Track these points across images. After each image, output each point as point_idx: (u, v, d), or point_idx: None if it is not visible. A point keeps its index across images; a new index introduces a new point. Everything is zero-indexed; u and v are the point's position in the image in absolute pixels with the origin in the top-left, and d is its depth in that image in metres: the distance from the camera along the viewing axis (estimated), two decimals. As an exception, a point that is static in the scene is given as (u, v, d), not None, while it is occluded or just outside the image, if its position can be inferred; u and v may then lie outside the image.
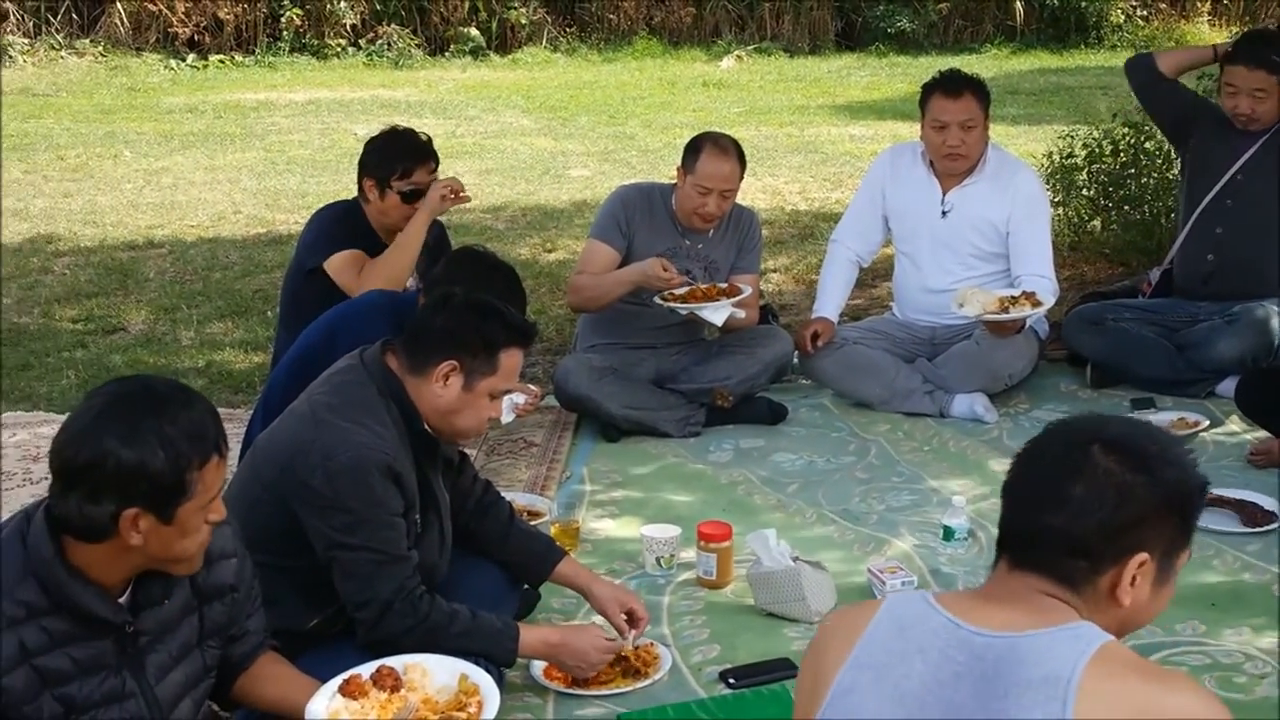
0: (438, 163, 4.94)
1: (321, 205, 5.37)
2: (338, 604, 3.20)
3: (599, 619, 3.60)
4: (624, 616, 3.49)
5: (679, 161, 5.26)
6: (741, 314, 5.22)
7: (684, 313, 5.11)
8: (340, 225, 4.91)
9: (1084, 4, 18.17)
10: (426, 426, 3.27)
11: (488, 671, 2.97)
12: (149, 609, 2.46)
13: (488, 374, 3.23)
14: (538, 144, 12.33)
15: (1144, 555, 1.90)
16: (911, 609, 1.94)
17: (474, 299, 3.29)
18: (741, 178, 5.24)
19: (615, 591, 3.57)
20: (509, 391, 3.41)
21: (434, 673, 2.89)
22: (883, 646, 1.92)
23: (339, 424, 3.16)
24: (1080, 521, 1.88)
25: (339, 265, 4.75)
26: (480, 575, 3.53)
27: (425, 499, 3.30)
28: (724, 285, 5.22)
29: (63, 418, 5.48)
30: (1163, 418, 5.18)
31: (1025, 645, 1.84)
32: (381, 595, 3.11)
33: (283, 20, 17.43)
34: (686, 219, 5.23)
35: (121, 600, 2.42)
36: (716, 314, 5.10)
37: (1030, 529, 1.93)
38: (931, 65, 9.66)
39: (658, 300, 5.13)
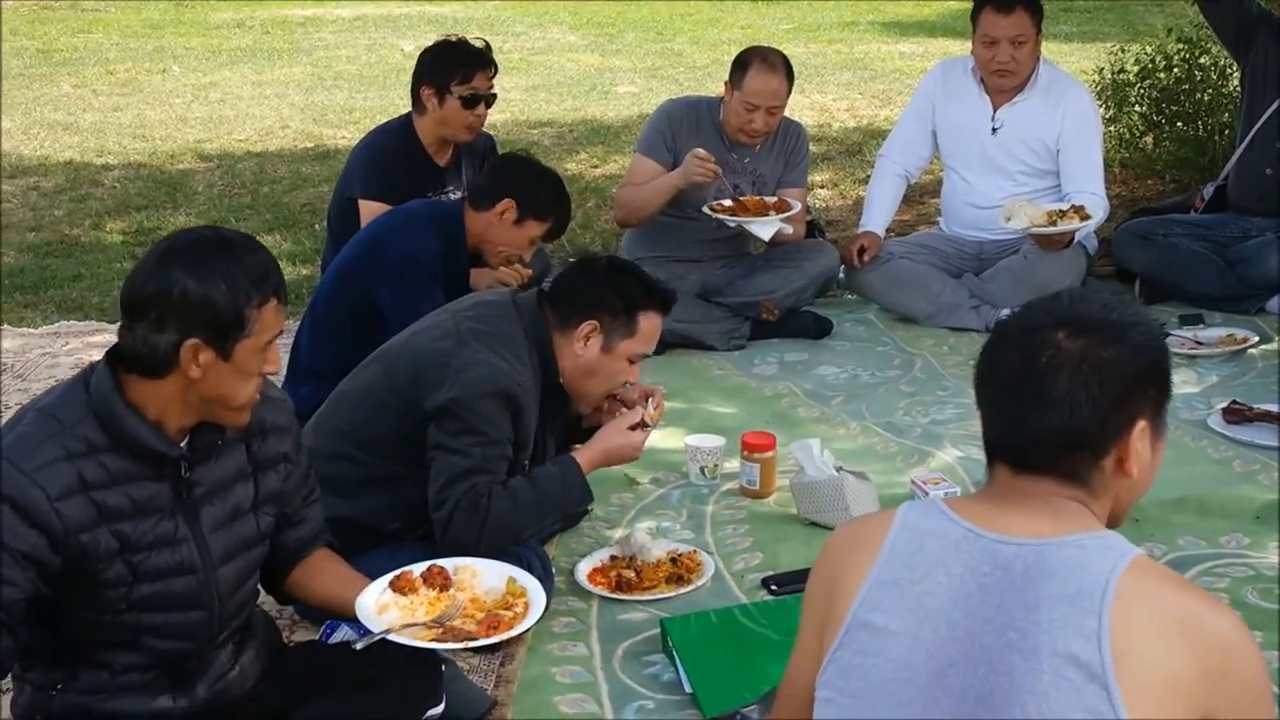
0: (496, 69, 4.96)
1: (372, 126, 5.40)
2: (420, 510, 3.27)
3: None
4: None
5: (726, 77, 5.23)
6: (789, 229, 5.20)
7: (733, 225, 5.10)
8: (386, 158, 4.93)
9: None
10: (562, 380, 3.35)
11: (538, 577, 3.00)
12: (204, 463, 2.51)
13: (627, 336, 3.35)
14: (585, 60, 12.28)
15: (1142, 422, 1.84)
16: (930, 521, 1.86)
17: (615, 262, 3.43)
18: (789, 94, 5.19)
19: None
20: (646, 355, 3.48)
21: (483, 575, 2.92)
22: (904, 562, 1.84)
23: (482, 349, 3.25)
24: (1074, 416, 1.80)
25: (368, 212, 4.78)
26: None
27: (536, 448, 3.40)
28: (773, 200, 5.20)
29: (114, 326, 5.59)
30: (1211, 333, 5.16)
31: (1053, 554, 1.76)
32: (454, 495, 3.19)
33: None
34: (733, 134, 5.21)
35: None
36: (765, 229, 5.09)
37: (1024, 436, 1.84)
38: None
39: (706, 210, 5.11)
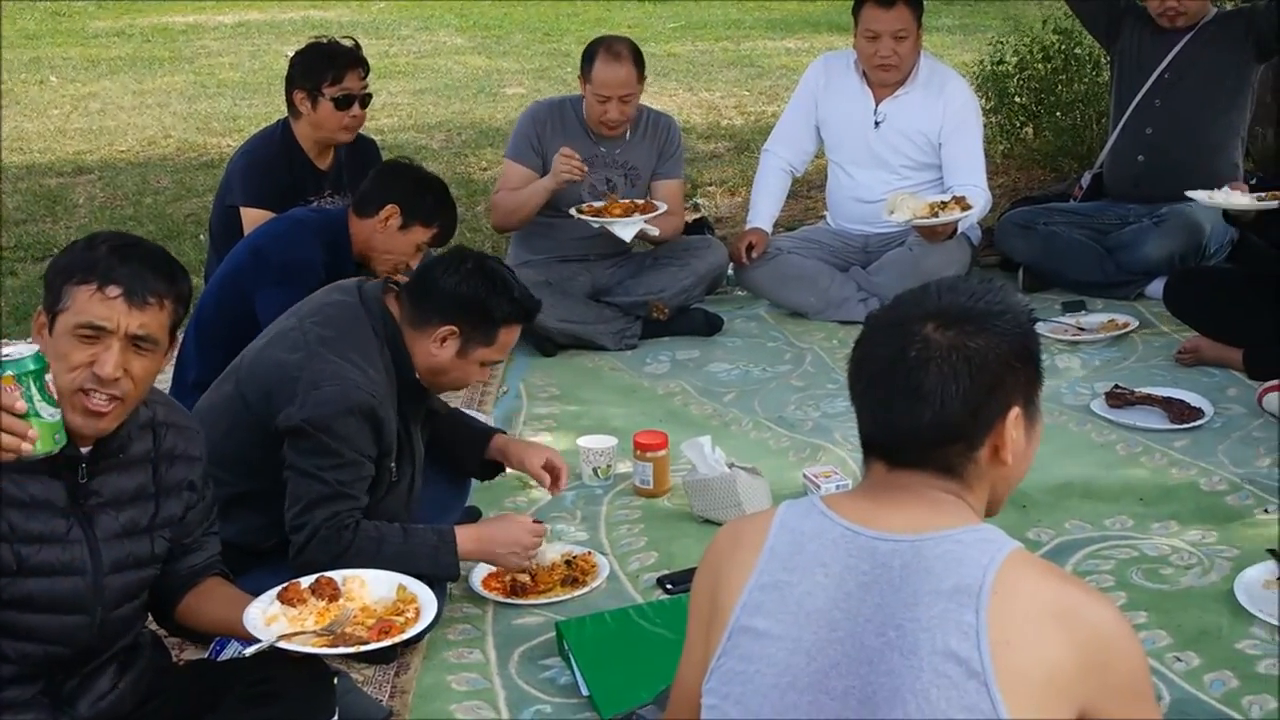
0: (367, 69, 4.92)
1: (253, 131, 5.32)
2: None
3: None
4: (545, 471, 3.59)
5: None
6: (655, 231, 5.23)
7: (596, 226, 5.14)
8: (266, 165, 4.86)
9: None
10: (417, 376, 3.29)
11: (430, 584, 2.98)
12: (105, 474, 2.48)
13: (484, 344, 3.27)
14: (472, 62, 12.23)
15: (1015, 409, 1.83)
16: (809, 521, 1.84)
17: (487, 266, 3.29)
18: (640, 81, 5.19)
19: (533, 448, 3.66)
20: (499, 362, 3.44)
21: (372, 585, 2.89)
22: (784, 564, 1.82)
23: (331, 358, 3.16)
24: (945, 409, 1.79)
25: (251, 220, 4.71)
26: (427, 488, 3.54)
27: (403, 449, 3.31)
28: (641, 201, 5.24)
29: (-5, 343, 5.44)
30: (1093, 319, 5.26)
31: (930, 549, 1.76)
32: (314, 522, 3.11)
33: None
34: (595, 127, 5.25)
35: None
36: (626, 229, 5.13)
37: (898, 430, 1.82)
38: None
39: (573, 212, 5.14)
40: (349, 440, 3.12)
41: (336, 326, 3.23)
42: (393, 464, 3.26)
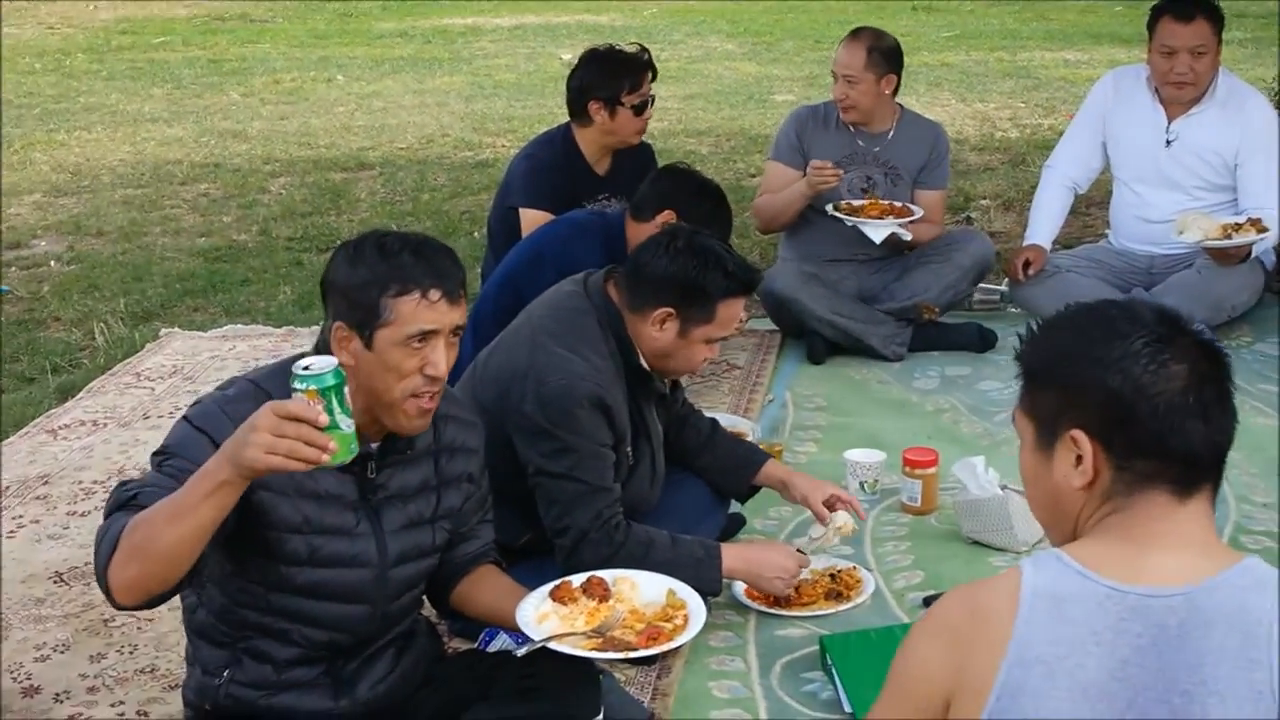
0: (656, 73, 5.02)
1: (530, 135, 5.44)
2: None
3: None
4: (825, 505, 3.48)
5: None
6: (908, 236, 5.17)
7: (849, 224, 5.12)
8: (547, 169, 4.96)
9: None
10: (642, 361, 3.28)
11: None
12: (391, 469, 2.55)
13: (704, 322, 3.22)
14: (742, 69, 12.25)
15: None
16: (1064, 583, 1.67)
17: (697, 243, 3.23)
18: (869, 65, 5.17)
19: (816, 482, 3.55)
20: (726, 338, 3.40)
21: (642, 587, 2.91)
22: (1046, 635, 1.65)
23: (556, 350, 3.19)
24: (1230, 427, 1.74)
25: (530, 221, 4.80)
26: (684, 493, 3.55)
27: (638, 431, 3.32)
28: (899, 205, 5.20)
29: (282, 330, 5.67)
30: (1396, 354, 4.95)
31: (1204, 599, 1.63)
32: (579, 523, 3.15)
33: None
34: (842, 117, 5.28)
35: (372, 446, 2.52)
36: (876, 231, 5.11)
37: (1222, 449, 1.73)
38: (1154, -14, 9.29)
39: (829, 209, 5.14)
40: (586, 433, 3.14)
41: (562, 320, 3.26)
42: (629, 449, 3.27)
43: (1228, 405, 1.74)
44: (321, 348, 2.47)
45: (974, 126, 9.33)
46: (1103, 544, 1.71)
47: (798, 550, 3.41)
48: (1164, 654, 1.63)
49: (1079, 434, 1.73)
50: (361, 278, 2.43)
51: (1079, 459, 1.73)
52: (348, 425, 2.12)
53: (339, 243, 2.61)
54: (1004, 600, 1.69)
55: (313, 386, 2.09)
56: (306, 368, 2.11)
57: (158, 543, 2.14)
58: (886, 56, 5.20)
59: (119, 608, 2.26)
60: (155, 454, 2.40)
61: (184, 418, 2.41)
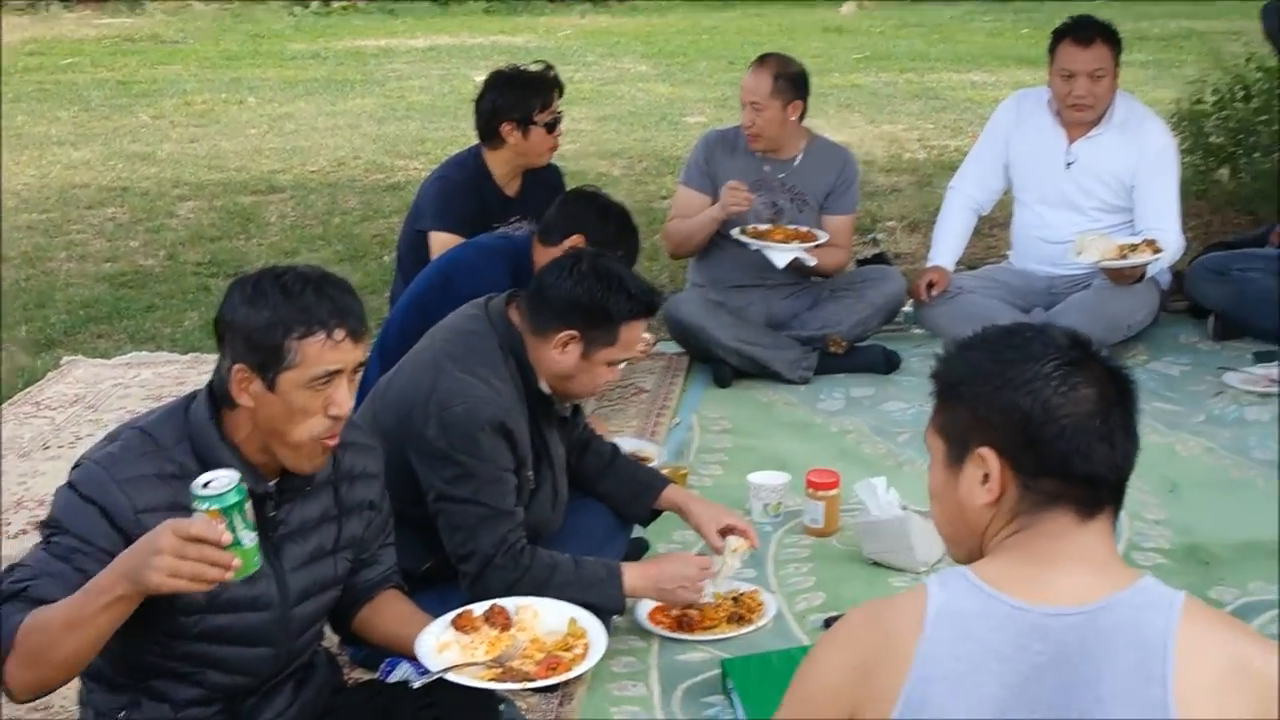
0: (563, 90, 5.06)
1: (444, 157, 5.44)
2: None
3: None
4: (719, 535, 3.47)
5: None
6: (811, 261, 5.21)
7: (753, 248, 5.16)
8: (458, 191, 4.97)
9: (1218, -56, 17.69)
10: (543, 385, 3.29)
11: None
12: (291, 503, 2.53)
13: (607, 344, 3.23)
14: (656, 90, 12.31)
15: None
16: (969, 601, 1.72)
17: (600, 266, 3.25)
18: (773, 92, 5.19)
19: (713, 510, 3.55)
20: (628, 360, 3.41)
21: (544, 615, 2.92)
22: (949, 652, 1.69)
23: (457, 375, 3.19)
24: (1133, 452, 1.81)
25: (439, 244, 4.80)
26: (587, 517, 3.56)
27: (540, 455, 3.33)
28: (804, 230, 5.24)
29: (187, 357, 5.59)
30: (1286, 371, 5.07)
31: (1103, 618, 1.68)
32: (484, 549, 3.15)
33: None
34: (749, 143, 5.32)
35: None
36: (780, 256, 5.15)
37: (1128, 468, 1.80)
38: (1056, 10, 9.43)
39: (734, 234, 5.18)
40: (488, 458, 3.15)
41: (463, 344, 3.27)
42: (530, 473, 3.28)
43: (1132, 430, 1.80)
44: (218, 388, 2.44)
45: (882, 148, 9.44)
46: (1007, 562, 1.76)
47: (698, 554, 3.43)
48: (1063, 672, 1.67)
49: (987, 451, 1.78)
50: (264, 319, 2.36)
51: (986, 476, 1.79)
52: (250, 540, 2.13)
53: (237, 276, 2.57)
54: (909, 617, 1.73)
55: (215, 507, 2.09)
56: (207, 484, 2.11)
57: (55, 651, 2.15)
58: (792, 83, 5.24)
59: (17, 702, 2.27)
60: (43, 525, 2.37)
61: (69, 484, 2.37)
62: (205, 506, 2.09)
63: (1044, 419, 1.75)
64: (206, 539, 2.06)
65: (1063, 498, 1.76)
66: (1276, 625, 3.45)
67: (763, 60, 5.30)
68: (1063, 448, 1.75)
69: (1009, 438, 1.77)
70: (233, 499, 2.10)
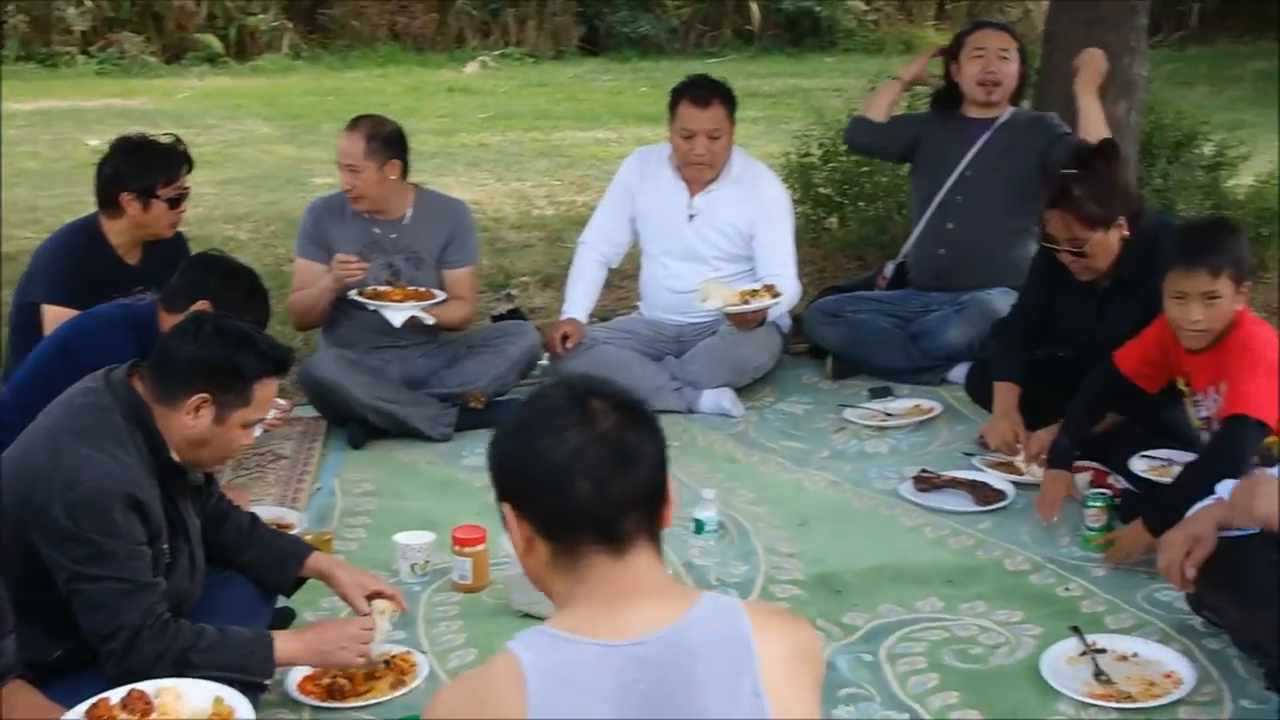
0: (192, 165, 4.90)
1: (58, 225, 5.21)
2: (84, 634, 3.08)
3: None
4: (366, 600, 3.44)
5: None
6: (429, 320, 5.25)
7: (370, 308, 5.18)
8: (73, 261, 4.78)
9: (818, 9, 18.77)
10: (174, 455, 3.19)
11: (245, 694, 2.91)
12: None
13: (241, 405, 3.17)
14: (281, 152, 12.11)
15: None
16: (558, 653, 1.80)
17: (225, 326, 3.19)
18: (367, 153, 5.19)
19: (358, 575, 3.51)
20: (262, 420, 3.34)
21: (188, 696, 2.84)
22: (559, 705, 1.76)
23: (80, 450, 3.05)
24: (659, 471, 1.91)
25: (52, 318, 4.60)
26: (229, 591, 3.45)
27: (174, 527, 3.21)
28: (421, 290, 5.28)
29: None
30: (899, 405, 5.40)
31: (685, 635, 1.83)
32: (131, 622, 3.02)
33: (5, 27, 16.71)
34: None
35: None
36: (396, 315, 5.17)
37: (631, 497, 1.87)
38: (674, 69, 9.83)
39: (351, 295, 5.18)
40: (122, 534, 3.02)
41: (83, 418, 3.13)
42: (165, 545, 3.17)
43: (627, 460, 1.86)
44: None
45: (512, 204, 9.56)
46: (578, 611, 1.86)
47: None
48: (669, 690, 1.80)
49: (507, 508, 1.89)
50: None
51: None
52: None
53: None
54: (507, 684, 1.79)
55: None
56: None
57: None
58: (386, 143, 5.24)
59: None
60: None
61: None
62: None
63: (526, 466, 1.86)
64: None
65: (583, 541, 1.86)
66: (904, 645, 3.67)
67: (356, 123, 5.26)
68: (548, 491, 1.85)
69: (515, 493, 1.89)
70: None
